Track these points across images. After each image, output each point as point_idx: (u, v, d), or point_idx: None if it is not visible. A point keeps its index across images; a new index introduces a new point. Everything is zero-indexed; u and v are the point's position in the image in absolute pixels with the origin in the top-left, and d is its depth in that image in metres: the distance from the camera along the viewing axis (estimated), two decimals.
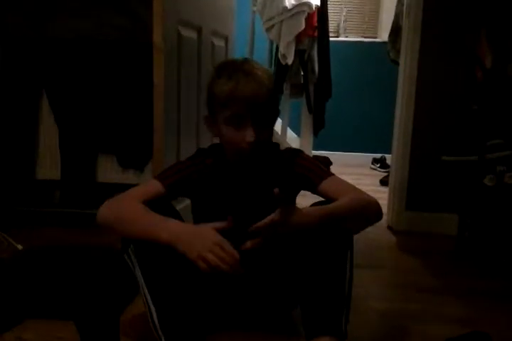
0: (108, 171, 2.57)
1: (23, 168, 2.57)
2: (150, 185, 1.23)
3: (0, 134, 2.49)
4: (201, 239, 1.06)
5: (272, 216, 1.07)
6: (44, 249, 1.91)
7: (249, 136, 1.15)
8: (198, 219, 1.31)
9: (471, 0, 2.35)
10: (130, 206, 1.15)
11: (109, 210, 1.16)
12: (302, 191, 1.32)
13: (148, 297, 1.11)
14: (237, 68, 1.19)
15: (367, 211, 1.18)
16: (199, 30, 2.22)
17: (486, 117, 2.09)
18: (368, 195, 1.21)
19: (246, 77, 1.15)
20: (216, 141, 1.31)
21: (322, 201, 1.23)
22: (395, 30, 3.36)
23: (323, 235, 1.12)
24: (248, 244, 1.09)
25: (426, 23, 2.42)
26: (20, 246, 1.88)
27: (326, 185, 1.23)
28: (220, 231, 1.09)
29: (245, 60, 1.24)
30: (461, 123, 2.35)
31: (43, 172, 2.60)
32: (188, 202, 1.38)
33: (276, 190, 1.04)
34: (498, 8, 2.19)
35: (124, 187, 1.25)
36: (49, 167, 2.59)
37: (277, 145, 1.32)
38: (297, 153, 1.31)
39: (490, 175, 1.98)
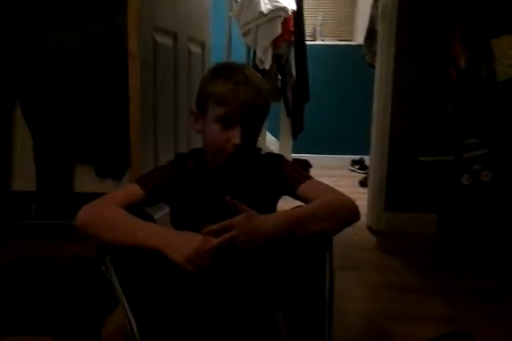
0: (85, 181, 2.53)
1: None
2: (130, 190, 1.21)
3: None
4: (188, 243, 1.05)
5: (229, 220, 1.07)
6: (20, 262, 1.88)
7: (236, 137, 1.15)
8: (176, 227, 1.30)
9: (444, 3, 2.39)
10: (110, 210, 1.13)
11: (88, 215, 1.13)
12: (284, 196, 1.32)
13: (127, 308, 1.09)
14: (237, 71, 1.19)
15: (340, 212, 1.16)
16: (175, 37, 2.22)
17: (462, 117, 2.12)
18: (343, 196, 1.20)
19: (246, 81, 1.15)
20: (196, 146, 1.31)
21: (301, 205, 1.23)
22: (371, 34, 3.39)
23: (299, 238, 1.11)
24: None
25: (400, 26, 2.45)
26: None
27: (304, 188, 1.22)
28: None
29: (244, 66, 1.25)
30: (437, 123, 2.39)
31: (18, 183, 2.56)
32: (166, 210, 1.37)
33: (228, 198, 1.05)
34: (471, 10, 2.24)
35: None
36: (24, 178, 2.53)
37: (259, 150, 1.32)
38: (278, 159, 1.31)
39: (466, 174, 2.01)
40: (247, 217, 1.08)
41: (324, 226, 1.13)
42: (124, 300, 1.09)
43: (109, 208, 1.14)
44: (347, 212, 1.18)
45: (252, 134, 1.20)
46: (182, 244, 1.05)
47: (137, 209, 1.17)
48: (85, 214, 1.13)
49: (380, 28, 2.61)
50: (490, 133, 2.04)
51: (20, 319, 1.41)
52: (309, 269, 1.12)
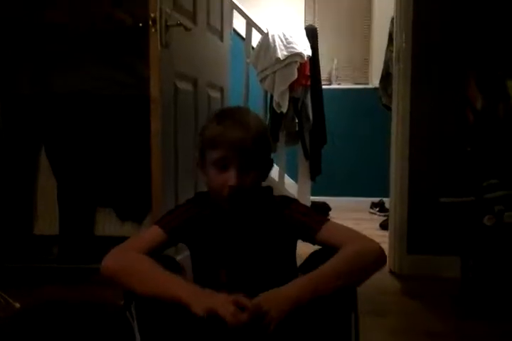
0: (106, 224, 2.55)
1: (20, 223, 2.56)
2: (152, 233, 1.21)
3: None
4: (214, 299, 1.02)
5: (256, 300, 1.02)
6: (42, 306, 1.88)
7: (231, 179, 1.14)
8: (196, 269, 1.29)
9: (458, 45, 2.44)
10: (137, 259, 1.12)
11: (114, 263, 1.13)
12: None
13: None
14: (227, 114, 1.22)
15: (365, 263, 1.12)
16: (195, 82, 2.28)
17: (481, 158, 2.11)
18: (366, 241, 1.17)
19: (234, 122, 1.16)
20: None
21: (321, 249, 1.20)
22: (386, 76, 3.45)
23: (322, 299, 1.06)
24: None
25: (415, 69, 2.49)
26: (17, 305, 1.85)
27: (323, 234, 1.19)
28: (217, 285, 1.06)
29: (238, 108, 1.28)
30: (456, 164, 2.38)
31: (40, 227, 2.58)
32: (186, 253, 1.36)
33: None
34: (485, 52, 2.27)
35: (122, 241, 1.22)
36: (47, 222, 2.56)
37: (270, 189, 1.29)
38: (290, 202, 1.27)
39: (488, 215, 1.98)
40: (272, 292, 1.04)
41: (350, 281, 1.09)
42: None
43: (135, 256, 1.13)
44: (372, 261, 1.14)
45: (251, 174, 1.17)
46: (206, 300, 1.02)
47: (162, 254, 1.17)
48: (112, 262, 1.13)
49: (394, 71, 2.65)
50: (510, 173, 2.02)
51: None
52: (334, 322, 1.08)
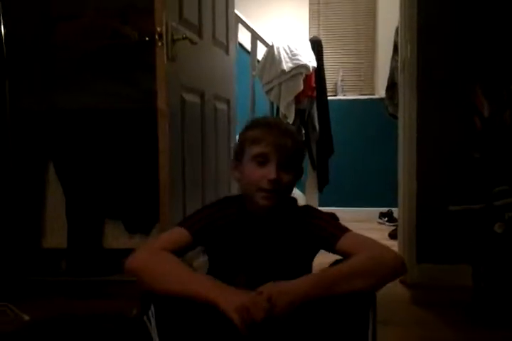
0: (115, 237, 2.55)
1: (29, 237, 2.57)
2: (177, 233, 1.22)
3: (6, 203, 2.51)
4: (241, 297, 1.04)
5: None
6: (51, 319, 1.87)
7: (271, 173, 1.17)
8: (213, 273, 1.28)
9: (464, 53, 2.44)
10: (163, 257, 1.14)
11: (140, 261, 1.14)
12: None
13: None
14: (270, 120, 1.31)
15: (381, 267, 1.13)
16: (202, 95, 2.30)
17: (490, 165, 2.11)
18: (384, 249, 1.18)
19: (278, 127, 1.24)
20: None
21: (341, 259, 1.20)
22: (391, 85, 3.46)
23: (341, 298, 1.08)
24: None
25: (421, 78, 2.49)
26: (27, 317, 1.85)
27: (342, 243, 1.20)
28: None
29: (278, 118, 1.32)
30: (464, 172, 2.37)
31: (49, 240, 2.59)
32: (202, 258, 1.36)
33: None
34: (490, 59, 2.27)
35: (131, 253, 1.24)
36: (55, 236, 2.57)
37: (295, 199, 1.32)
38: (315, 211, 1.30)
39: (499, 222, 1.97)
40: (273, 283, 1.07)
41: (365, 284, 1.09)
42: None
43: (161, 254, 1.15)
44: (389, 267, 1.14)
45: (287, 174, 1.20)
46: (235, 298, 1.03)
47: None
48: (138, 260, 1.14)
49: (400, 80, 2.66)
50: None
51: None
52: (352, 326, 1.08)
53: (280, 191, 1.21)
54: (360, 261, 1.13)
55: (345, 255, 1.18)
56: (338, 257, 1.20)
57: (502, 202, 2.00)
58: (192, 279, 1.09)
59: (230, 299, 1.03)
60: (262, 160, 1.19)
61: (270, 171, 1.18)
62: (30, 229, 2.58)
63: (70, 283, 2.38)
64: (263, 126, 1.23)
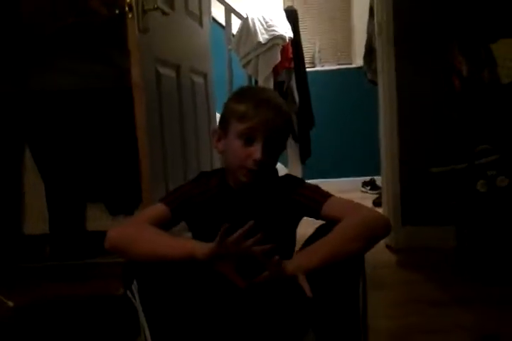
0: (97, 219, 2.52)
1: (9, 224, 2.52)
2: (156, 209, 1.21)
3: None
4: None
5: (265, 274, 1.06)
6: (37, 304, 1.86)
7: (258, 153, 1.15)
8: None
9: (439, 13, 2.42)
10: (142, 227, 1.14)
11: (115, 233, 1.14)
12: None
13: (148, 335, 1.08)
14: (260, 91, 1.27)
15: (370, 229, 1.13)
16: (177, 68, 2.25)
17: (470, 124, 2.11)
18: (370, 211, 1.19)
19: (268, 100, 1.18)
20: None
21: (325, 224, 1.20)
22: (369, 51, 3.42)
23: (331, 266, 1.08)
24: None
25: (398, 40, 2.48)
26: (11, 303, 1.83)
27: (327, 208, 1.20)
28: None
29: (266, 88, 1.29)
30: (445, 133, 2.38)
31: (30, 226, 2.55)
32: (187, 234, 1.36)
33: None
34: (467, 18, 2.26)
35: None
36: (36, 221, 2.54)
37: (275, 170, 1.30)
38: (297, 180, 1.29)
39: (481, 180, 1.98)
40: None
41: (358, 248, 1.10)
42: (147, 329, 1.08)
43: (140, 225, 1.15)
44: (378, 227, 1.15)
45: (273, 152, 1.19)
46: (211, 244, 1.05)
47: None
48: (116, 232, 1.14)
49: (378, 44, 2.64)
50: (500, 137, 2.03)
51: None
52: (343, 287, 1.09)
53: (267, 168, 1.20)
54: (351, 226, 1.12)
55: (332, 220, 1.18)
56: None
57: (484, 160, 2.02)
58: (169, 239, 1.11)
59: (206, 245, 1.05)
60: (248, 138, 1.17)
61: (256, 151, 1.15)
62: (10, 216, 2.53)
63: (55, 267, 2.35)
64: (251, 100, 1.18)
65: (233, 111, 1.19)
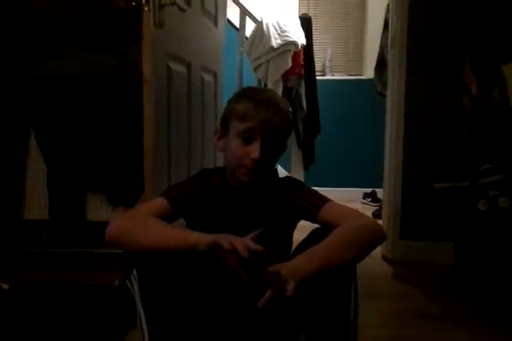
0: (98, 209, 2.52)
1: (9, 208, 2.52)
2: (156, 203, 1.22)
3: None
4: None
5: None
6: (31, 288, 1.85)
7: (255, 152, 1.15)
8: None
9: (453, 30, 2.42)
10: (143, 218, 1.14)
11: (120, 224, 1.14)
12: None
13: (145, 325, 1.08)
14: (261, 92, 1.27)
15: (366, 237, 1.14)
16: (188, 65, 2.25)
17: (476, 143, 2.11)
18: (367, 218, 1.19)
19: (267, 101, 1.19)
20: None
21: (320, 228, 1.20)
22: (381, 63, 3.42)
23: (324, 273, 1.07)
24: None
25: (410, 54, 2.47)
26: (6, 286, 1.83)
27: (324, 213, 1.20)
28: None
29: (268, 89, 1.28)
30: (450, 150, 2.37)
31: (30, 212, 2.55)
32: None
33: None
34: (480, 37, 2.26)
35: None
36: (36, 207, 2.53)
37: (276, 171, 1.32)
38: (297, 183, 1.30)
39: (483, 200, 1.97)
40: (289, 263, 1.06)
41: (352, 256, 1.10)
42: (143, 316, 1.08)
43: (140, 218, 1.15)
44: (373, 235, 1.15)
45: (271, 152, 1.20)
46: (213, 236, 1.05)
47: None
48: (114, 226, 1.14)
49: (390, 56, 2.64)
50: (506, 158, 2.02)
51: None
52: (334, 293, 1.09)
53: (265, 167, 1.21)
54: (347, 233, 1.12)
55: (328, 225, 1.18)
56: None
57: (487, 180, 2.01)
58: (171, 231, 1.10)
59: (208, 237, 1.04)
60: (247, 137, 1.18)
61: (254, 150, 1.16)
62: (11, 200, 2.53)
63: (52, 254, 2.35)
64: (252, 100, 1.19)
65: (234, 110, 1.21)
